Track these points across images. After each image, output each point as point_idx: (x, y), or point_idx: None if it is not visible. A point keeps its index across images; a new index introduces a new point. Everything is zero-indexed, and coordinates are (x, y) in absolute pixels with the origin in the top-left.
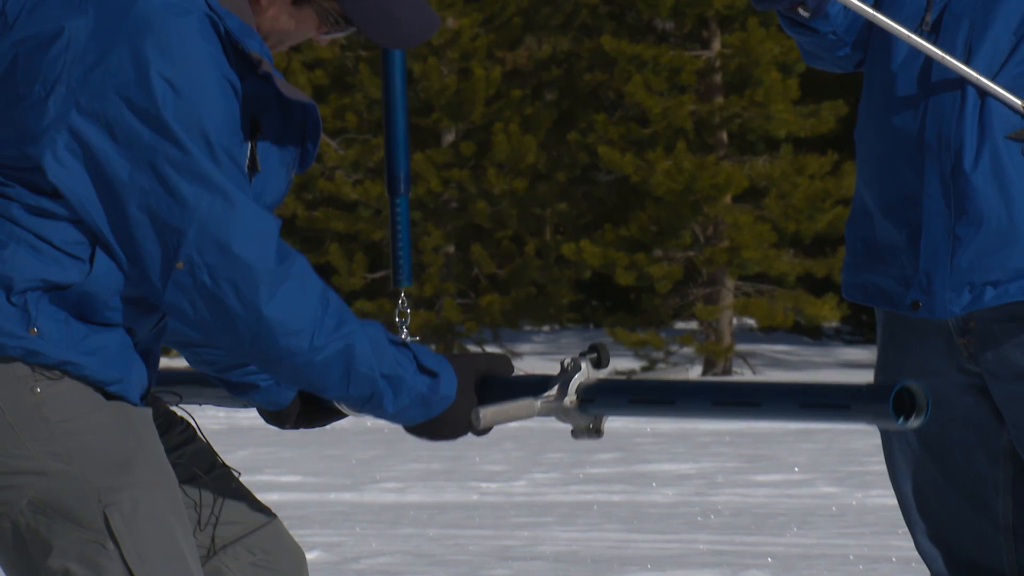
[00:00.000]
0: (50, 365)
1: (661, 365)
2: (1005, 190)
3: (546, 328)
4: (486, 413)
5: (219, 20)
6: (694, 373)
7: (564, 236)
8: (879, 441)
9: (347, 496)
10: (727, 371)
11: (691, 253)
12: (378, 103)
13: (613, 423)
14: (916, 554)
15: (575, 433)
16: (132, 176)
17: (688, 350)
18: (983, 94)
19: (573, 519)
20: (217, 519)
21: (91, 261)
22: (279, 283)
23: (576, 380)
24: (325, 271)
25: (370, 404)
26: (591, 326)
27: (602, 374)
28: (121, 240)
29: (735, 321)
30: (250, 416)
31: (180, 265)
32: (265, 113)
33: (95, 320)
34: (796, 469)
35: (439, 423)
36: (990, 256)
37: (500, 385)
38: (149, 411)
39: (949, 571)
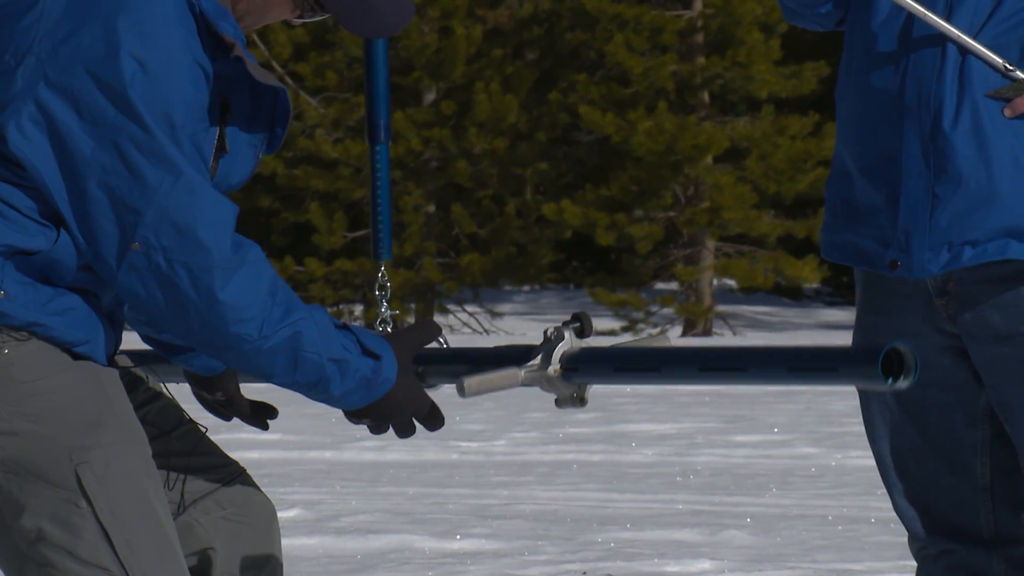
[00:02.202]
0: (17, 326)
1: (641, 326)
2: (984, 149)
3: (526, 288)
4: (470, 383)
5: (195, 1)
6: (674, 334)
7: (545, 196)
8: (858, 402)
9: (327, 454)
10: (707, 332)
11: (672, 214)
12: (358, 61)
13: (593, 384)
14: (894, 515)
15: (559, 402)
16: (94, 153)
17: (668, 311)
18: (964, 53)
19: (553, 479)
20: (185, 475)
21: (58, 229)
22: (233, 270)
23: (559, 349)
24: (305, 229)
25: (316, 388)
26: (571, 286)
27: (585, 343)
28: (78, 216)
29: (715, 282)
30: None
31: (136, 246)
32: (236, 95)
33: (61, 284)
34: (776, 430)
35: (380, 405)
36: (969, 215)
37: (480, 357)
38: (116, 371)
39: (927, 531)
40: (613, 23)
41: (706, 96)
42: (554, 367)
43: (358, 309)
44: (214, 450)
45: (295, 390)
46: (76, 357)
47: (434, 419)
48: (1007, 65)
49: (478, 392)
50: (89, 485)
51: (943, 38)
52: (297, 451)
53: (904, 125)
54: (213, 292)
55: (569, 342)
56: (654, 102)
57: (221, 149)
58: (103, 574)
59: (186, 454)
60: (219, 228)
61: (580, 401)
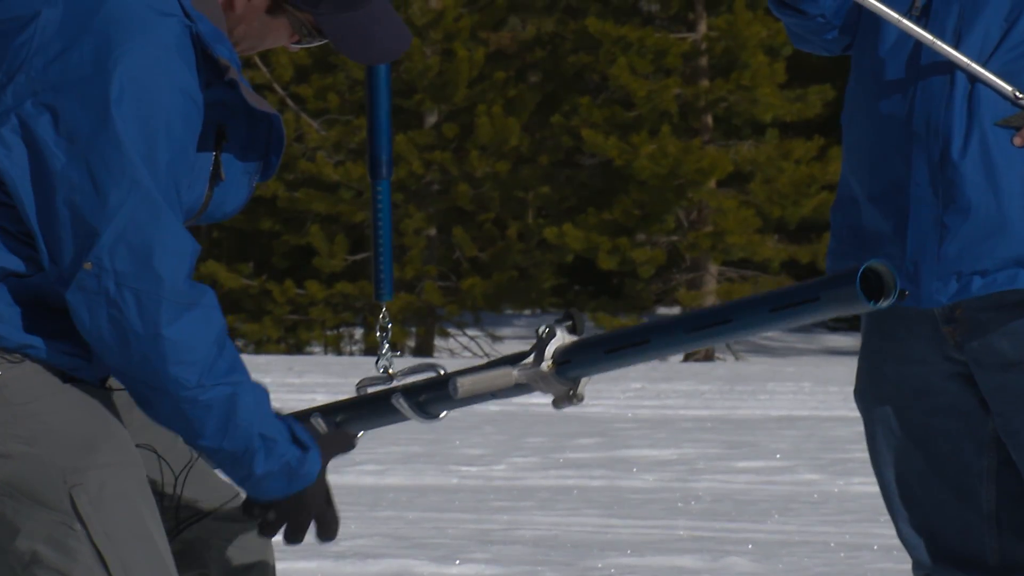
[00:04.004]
0: (10, 348)
1: None
2: (993, 179)
3: (528, 312)
4: (463, 382)
5: (192, 24)
6: (675, 358)
7: (547, 220)
8: (862, 428)
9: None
10: (709, 357)
11: (675, 238)
12: (361, 84)
13: (595, 408)
14: (898, 542)
15: (556, 402)
16: (65, 169)
17: None
18: (972, 81)
19: (553, 503)
20: (180, 497)
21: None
22: (184, 307)
23: (552, 345)
24: (306, 252)
25: (240, 462)
26: (573, 310)
27: (577, 340)
28: (44, 232)
29: None
30: None
31: (88, 266)
32: (231, 121)
33: (55, 305)
34: (778, 456)
35: (293, 499)
36: (978, 245)
37: (469, 369)
38: (110, 392)
39: (932, 560)
40: (616, 46)
41: (710, 119)
42: (547, 363)
43: (358, 332)
44: (210, 473)
45: (214, 460)
46: (69, 380)
47: (329, 527)
48: (1017, 93)
49: (471, 392)
50: (83, 507)
51: (952, 65)
52: None
53: (912, 153)
54: (159, 325)
55: (561, 339)
56: (657, 125)
57: (216, 176)
58: None
59: (182, 476)
60: (176, 260)
61: (576, 398)
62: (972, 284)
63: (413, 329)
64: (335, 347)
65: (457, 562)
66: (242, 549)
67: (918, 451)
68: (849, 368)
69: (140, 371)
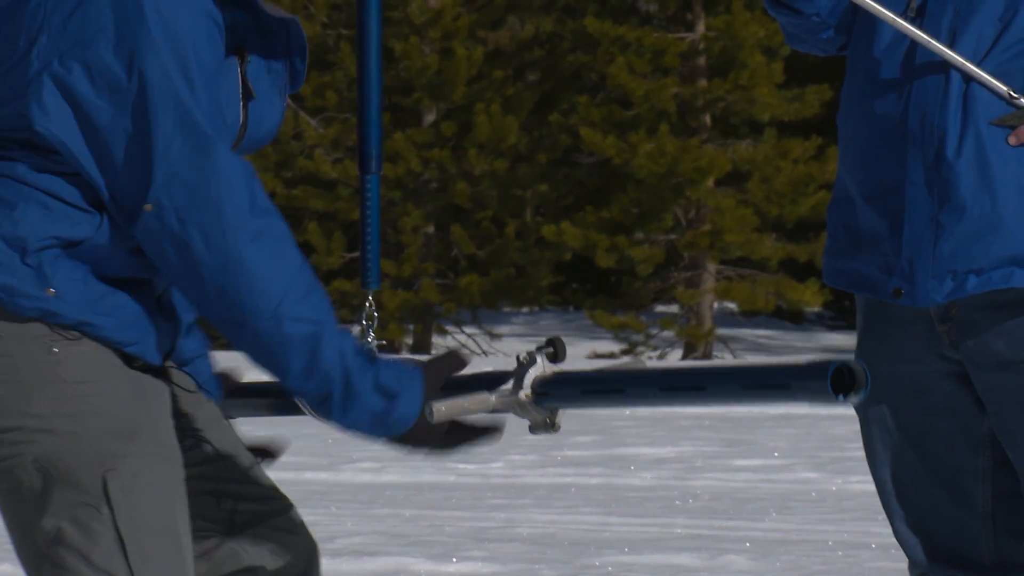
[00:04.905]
0: (68, 325)
1: (641, 348)
2: (988, 178)
3: (525, 310)
4: (439, 407)
5: None
6: (674, 356)
7: (545, 218)
8: (859, 427)
9: (323, 475)
10: (707, 355)
11: (673, 236)
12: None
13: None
14: (895, 541)
15: (532, 428)
16: (114, 119)
17: (668, 334)
18: (967, 80)
19: (550, 501)
20: (237, 501)
21: (102, 214)
22: (251, 236)
23: (531, 374)
24: (303, 250)
25: (323, 408)
26: (571, 308)
27: (558, 368)
28: (110, 185)
29: (716, 305)
30: None
31: (148, 207)
32: (248, 41)
33: (113, 276)
34: (776, 454)
35: (405, 440)
36: (973, 244)
37: (455, 381)
38: (165, 386)
39: (928, 559)
40: (615, 45)
41: (708, 119)
42: (525, 392)
43: (356, 329)
44: (266, 480)
45: (305, 401)
46: (127, 357)
47: (458, 449)
48: (1012, 93)
49: (448, 417)
50: (114, 492)
51: (947, 65)
52: (293, 472)
53: (907, 153)
54: (227, 254)
55: (541, 366)
56: (655, 124)
57: (248, 95)
58: None
59: (239, 480)
60: (233, 186)
61: (552, 427)
62: (967, 283)
63: (411, 327)
64: None
65: (454, 560)
66: (291, 560)
67: (913, 451)
68: None
69: (219, 306)
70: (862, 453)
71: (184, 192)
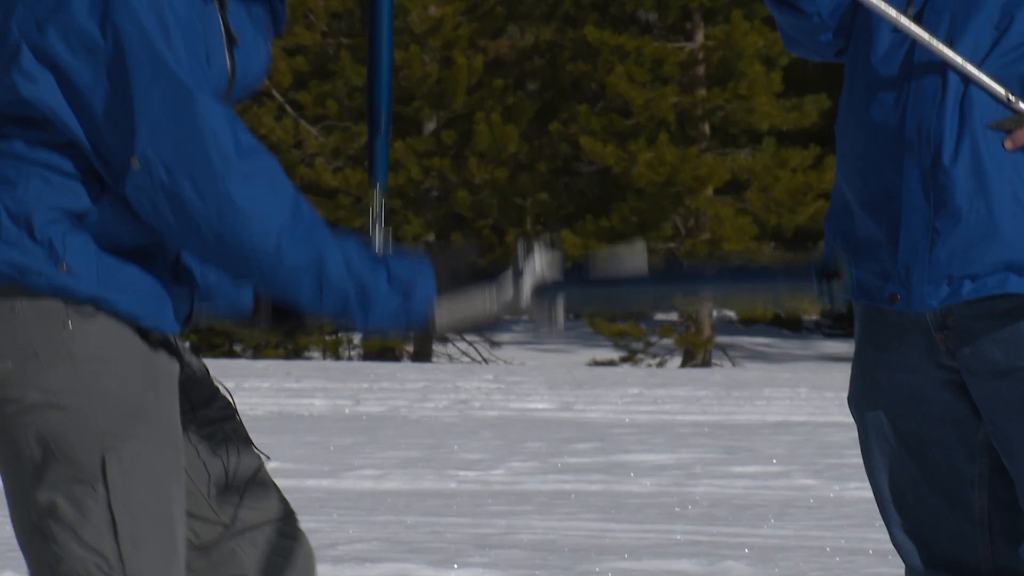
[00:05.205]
0: (81, 301)
1: (640, 356)
2: (984, 184)
3: (526, 318)
4: (441, 316)
5: None
6: (673, 364)
7: (545, 226)
8: (857, 434)
9: (325, 483)
10: (706, 363)
11: (672, 245)
12: (359, 90)
13: (592, 413)
14: (892, 547)
15: (536, 326)
16: (94, 79)
17: (668, 341)
18: (965, 87)
19: (551, 508)
20: (241, 499)
21: (102, 181)
22: (241, 178)
23: (528, 272)
24: None
25: (346, 317)
26: (571, 316)
27: (554, 257)
28: (94, 146)
29: (715, 313)
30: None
31: (135, 163)
32: None
33: (126, 246)
34: (774, 461)
35: (431, 328)
36: (969, 250)
37: (460, 274)
38: (176, 371)
39: (925, 566)
40: (614, 55)
41: (707, 128)
42: (526, 289)
43: (357, 337)
44: (273, 484)
45: (328, 318)
46: (142, 331)
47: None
48: (1010, 96)
49: (451, 328)
50: (112, 473)
51: (944, 72)
52: (295, 479)
53: (904, 160)
54: (220, 200)
55: (538, 262)
56: (655, 133)
57: (231, 41)
58: (100, 561)
59: (246, 481)
60: (217, 132)
61: (554, 322)
62: (963, 288)
63: (411, 335)
64: (333, 352)
65: (455, 566)
66: (288, 567)
67: (911, 458)
68: (845, 374)
69: (220, 252)
70: (860, 460)
71: (169, 144)
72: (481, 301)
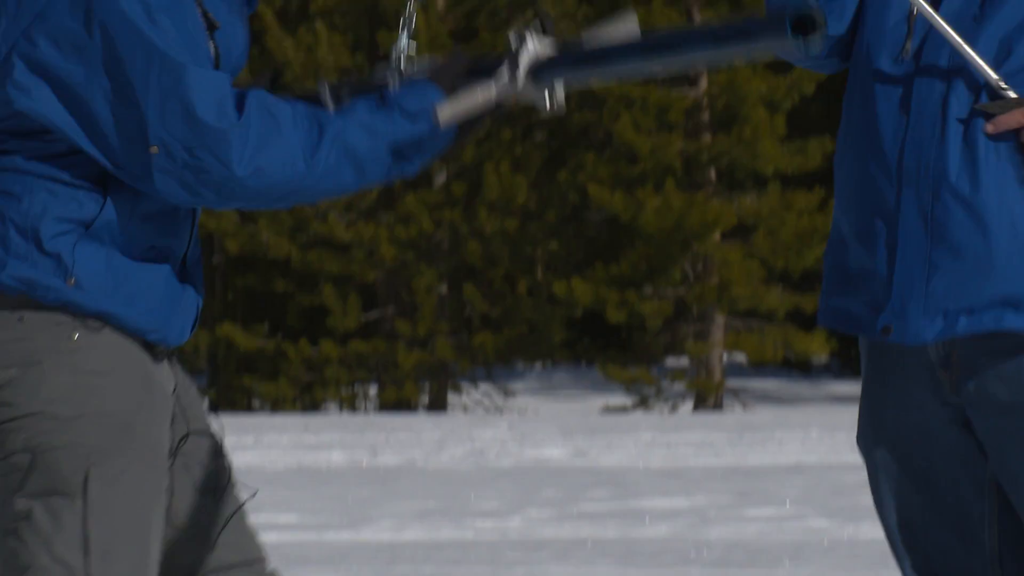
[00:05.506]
0: (89, 314)
1: (652, 401)
2: (983, 220)
3: (539, 366)
4: (443, 111)
5: None
6: (685, 409)
7: (555, 274)
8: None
9: (344, 535)
10: (718, 406)
11: (681, 290)
12: None
13: (607, 460)
14: None
15: (537, 106)
16: (89, 78)
17: (679, 386)
18: (966, 120)
19: (567, 555)
20: (216, 540)
21: (104, 187)
22: (251, 134)
23: (525, 53)
24: (320, 312)
25: (392, 174)
26: (583, 363)
27: (548, 41)
28: (101, 147)
29: (725, 357)
30: (247, 457)
31: (154, 149)
32: None
33: (136, 253)
34: (788, 503)
35: (464, 132)
36: (965, 284)
37: (461, 75)
38: (173, 398)
39: None
40: (620, 102)
41: (713, 173)
42: (522, 72)
43: (373, 390)
44: (249, 528)
45: (381, 182)
46: (147, 344)
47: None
48: (1001, 83)
49: (453, 118)
50: (93, 488)
51: (945, 105)
52: (315, 532)
53: (902, 191)
54: (243, 163)
55: (533, 45)
56: (662, 180)
57: (211, 26)
58: (66, 574)
59: (224, 520)
60: (219, 101)
61: (553, 102)
62: (958, 323)
63: (426, 384)
64: (350, 405)
65: None
66: None
67: (919, 495)
68: (855, 414)
69: (268, 200)
70: (872, 500)
71: (179, 122)
72: (482, 92)
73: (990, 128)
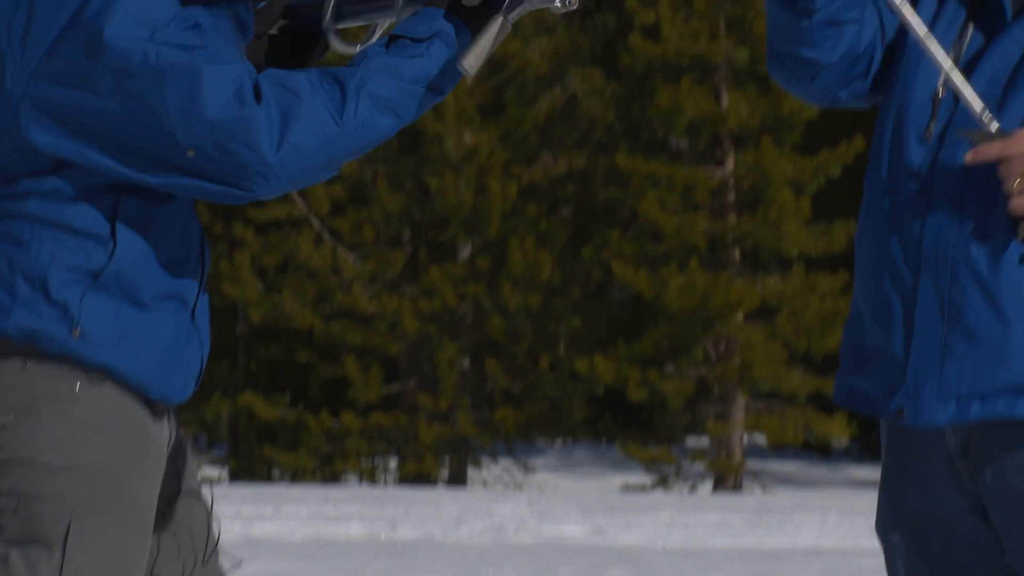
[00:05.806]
0: (92, 367)
1: (672, 480)
2: (1000, 305)
3: (559, 442)
4: (468, 59)
5: None
6: (705, 490)
7: (578, 351)
8: (884, 560)
9: None
10: (737, 487)
11: (703, 370)
12: (395, 216)
13: (625, 539)
14: None
15: (551, 8)
16: (106, 103)
17: (699, 466)
18: (987, 209)
19: None
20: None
21: (113, 236)
22: (274, 114)
23: None
24: (341, 383)
25: (429, 102)
26: (603, 441)
27: None
28: (135, 169)
29: (746, 438)
30: (265, 528)
31: (192, 153)
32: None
33: (145, 301)
34: None
35: (482, 37)
36: (980, 370)
37: (465, 21)
38: (164, 459)
39: None
40: (646, 181)
41: (737, 253)
42: None
43: (393, 463)
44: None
45: (415, 116)
46: (149, 401)
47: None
48: (986, 114)
49: (478, 63)
50: (72, 541)
51: (964, 189)
52: None
53: (920, 274)
54: (275, 146)
55: None
56: (686, 259)
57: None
58: None
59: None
60: (231, 97)
61: (570, 3)
62: (971, 408)
63: (447, 458)
64: (370, 477)
65: None
66: None
67: None
68: (874, 499)
69: (314, 171)
70: None
71: (205, 124)
72: (500, 32)
73: (969, 156)
